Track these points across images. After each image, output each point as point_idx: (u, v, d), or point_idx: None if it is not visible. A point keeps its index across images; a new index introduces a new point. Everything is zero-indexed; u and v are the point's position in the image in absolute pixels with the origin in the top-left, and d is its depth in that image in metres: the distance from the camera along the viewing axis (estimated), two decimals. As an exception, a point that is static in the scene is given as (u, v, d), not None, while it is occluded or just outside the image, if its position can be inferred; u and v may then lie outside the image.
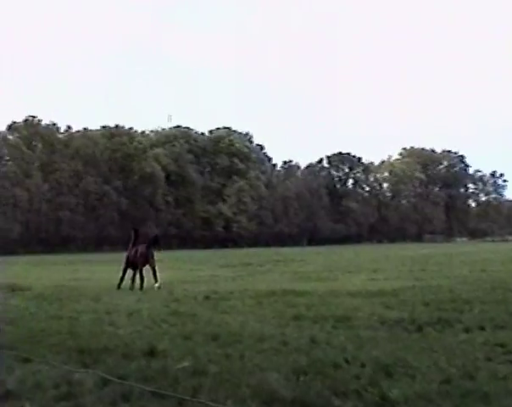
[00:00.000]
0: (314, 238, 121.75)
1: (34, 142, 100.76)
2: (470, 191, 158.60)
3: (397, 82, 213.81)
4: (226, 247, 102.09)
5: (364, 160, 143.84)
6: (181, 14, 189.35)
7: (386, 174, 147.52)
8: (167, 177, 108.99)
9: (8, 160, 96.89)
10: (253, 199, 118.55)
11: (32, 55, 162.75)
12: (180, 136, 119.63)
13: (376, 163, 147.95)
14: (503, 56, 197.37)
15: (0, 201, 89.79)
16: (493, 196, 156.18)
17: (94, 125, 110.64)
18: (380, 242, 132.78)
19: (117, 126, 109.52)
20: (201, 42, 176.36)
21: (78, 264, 42.10)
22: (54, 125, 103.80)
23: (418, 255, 46.43)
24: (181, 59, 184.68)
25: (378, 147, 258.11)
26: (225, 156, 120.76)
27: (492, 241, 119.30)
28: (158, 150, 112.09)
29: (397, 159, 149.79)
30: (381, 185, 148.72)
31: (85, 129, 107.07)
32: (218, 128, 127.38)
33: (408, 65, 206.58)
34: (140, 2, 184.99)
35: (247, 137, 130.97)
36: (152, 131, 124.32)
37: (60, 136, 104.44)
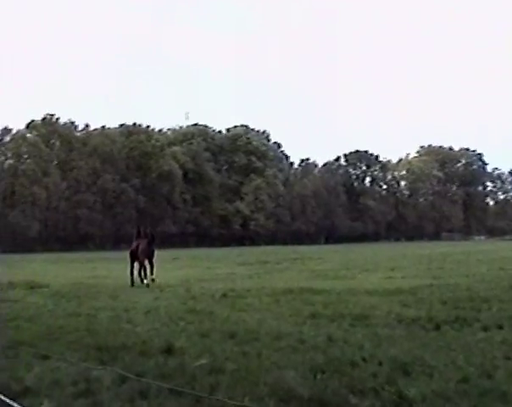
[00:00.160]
0: (332, 236, 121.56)
1: (52, 141, 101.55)
2: (488, 189, 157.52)
3: (415, 80, 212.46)
4: (244, 245, 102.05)
5: (381, 158, 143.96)
6: (193, 14, 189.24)
7: (404, 172, 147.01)
8: (184, 175, 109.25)
9: (26, 158, 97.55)
10: (270, 197, 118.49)
11: (51, 54, 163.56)
12: (197, 134, 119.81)
13: (394, 161, 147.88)
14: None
15: (19, 199, 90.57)
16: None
17: (112, 124, 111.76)
18: (397, 240, 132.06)
19: (135, 125, 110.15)
20: (218, 42, 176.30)
21: (96, 262, 42.29)
22: (72, 123, 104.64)
23: (435, 253, 46.09)
24: (199, 58, 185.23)
25: (396, 145, 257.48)
26: (242, 154, 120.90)
27: (511, 239, 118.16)
28: (176, 148, 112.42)
29: (415, 157, 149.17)
30: (398, 183, 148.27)
31: (103, 127, 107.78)
32: (235, 126, 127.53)
33: (426, 63, 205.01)
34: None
35: (265, 135, 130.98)
36: (169, 129, 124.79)
37: (78, 134, 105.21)
